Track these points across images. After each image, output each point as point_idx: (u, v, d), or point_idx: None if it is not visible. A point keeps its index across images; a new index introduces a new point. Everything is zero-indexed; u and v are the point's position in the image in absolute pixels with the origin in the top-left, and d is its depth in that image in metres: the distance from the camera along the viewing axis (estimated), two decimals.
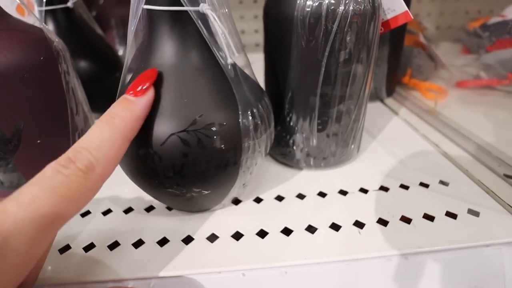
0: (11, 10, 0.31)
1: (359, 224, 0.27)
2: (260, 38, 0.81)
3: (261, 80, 0.29)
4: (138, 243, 0.26)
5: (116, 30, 0.63)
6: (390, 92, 0.51)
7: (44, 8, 0.40)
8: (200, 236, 0.26)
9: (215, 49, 0.22)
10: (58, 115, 0.30)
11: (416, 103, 0.47)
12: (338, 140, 0.31)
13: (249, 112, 0.23)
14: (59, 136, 0.30)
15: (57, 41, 0.30)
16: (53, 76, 0.29)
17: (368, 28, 0.27)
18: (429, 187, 0.30)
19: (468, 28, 0.68)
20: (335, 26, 0.26)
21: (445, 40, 0.75)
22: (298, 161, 0.33)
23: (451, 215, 0.27)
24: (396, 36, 0.46)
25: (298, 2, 0.26)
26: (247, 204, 0.29)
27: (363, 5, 0.26)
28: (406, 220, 0.27)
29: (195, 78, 0.23)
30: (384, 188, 0.31)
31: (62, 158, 0.17)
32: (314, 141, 0.31)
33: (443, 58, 0.54)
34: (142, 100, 0.20)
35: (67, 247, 0.25)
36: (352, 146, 0.33)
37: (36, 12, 0.40)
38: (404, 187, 0.31)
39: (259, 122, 0.24)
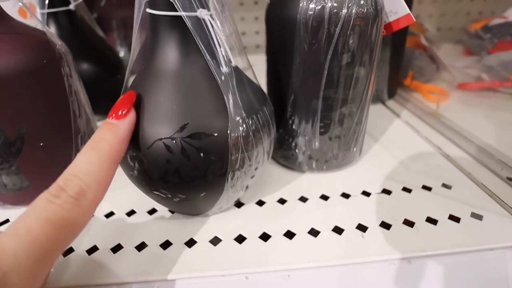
0: (13, 13, 0.31)
1: (362, 228, 0.27)
2: (260, 39, 0.81)
3: (262, 82, 0.29)
4: (141, 246, 0.26)
5: (117, 32, 0.64)
6: (391, 94, 0.51)
7: (46, 10, 0.40)
8: (203, 239, 0.26)
9: (208, 58, 0.22)
10: (61, 118, 0.30)
11: (418, 105, 0.47)
12: (340, 143, 0.31)
13: (241, 123, 0.23)
14: (62, 138, 0.30)
15: (59, 44, 0.30)
16: (56, 79, 0.29)
17: (370, 31, 0.27)
18: (432, 190, 0.30)
19: (470, 30, 0.68)
20: (337, 29, 0.26)
21: (446, 41, 0.74)
22: (300, 164, 0.33)
23: (454, 218, 0.27)
24: (398, 38, 0.46)
25: (300, 5, 0.26)
26: (250, 207, 0.29)
27: (365, 8, 0.26)
28: (409, 223, 0.27)
29: (187, 86, 0.22)
30: (386, 191, 0.31)
31: (53, 188, 0.17)
32: (317, 144, 0.31)
33: (444, 60, 0.53)
34: (125, 122, 0.21)
35: (70, 250, 0.25)
36: (354, 149, 0.33)
37: (38, 15, 0.40)
38: (407, 190, 0.31)
39: (251, 133, 0.23)
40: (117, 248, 0.25)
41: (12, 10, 0.31)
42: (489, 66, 0.53)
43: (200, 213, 0.28)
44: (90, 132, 0.34)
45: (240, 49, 0.25)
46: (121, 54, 0.63)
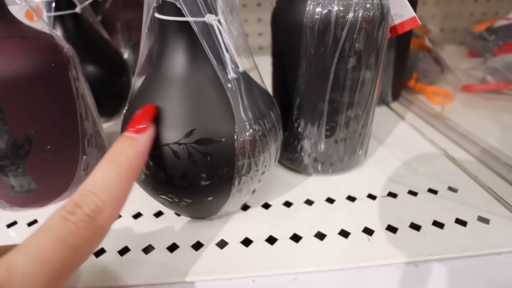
0: (20, 16, 0.31)
1: (368, 231, 0.27)
2: (263, 41, 0.82)
3: (267, 84, 0.29)
4: (148, 249, 0.26)
5: (122, 34, 0.64)
6: (396, 96, 0.51)
7: (53, 13, 0.40)
8: (209, 242, 0.26)
9: (216, 63, 0.22)
10: (68, 121, 0.30)
11: (422, 107, 0.47)
12: (346, 146, 0.31)
13: (248, 128, 0.23)
14: (69, 141, 0.30)
15: (67, 47, 0.30)
16: (63, 82, 0.29)
17: (376, 35, 0.27)
18: (438, 193, 0.30)
19: (474, 31, 0.68)
20: (344, 33, 0.26)
21: (450, 42, 0.74)
22: (306, 167, 0.33)
23: (461, 222, 0.27)
24: (402, 40, 0.46)
25: (307, 9, 0.26)
26: (256, 210, 0.29)
27: (372, 11, 0.26)
28: (415, 227, 0.27)
29: (194, 91, 0.22)
30: (392, 195, 0.31)
31: (69, 204, 0.16)
32: (322, 146, 0.31)
33: (448, 62, 0.53)
34: (144, 136, 0.20)
35: None
36: (360, 152, 0.33)
37: (44, 18, 0.40)
38: (413, 193, 0.31)
39: (258, 139, 0.23)
40: (124, 251, 0.26)
41: (19, 13, 0.31)
42: (494, 68, 0.53)
43: (206, 216, 0.28)
44: (96, 134, 0.34)
45: (248, 53, 0.25)
46: (125, 55, 0.64)
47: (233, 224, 0.28)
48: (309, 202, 0.30)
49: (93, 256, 0.25)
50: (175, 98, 0.22)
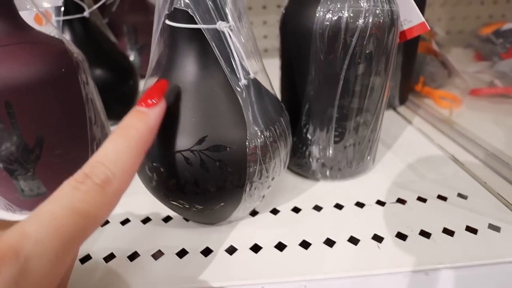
0: (29, 20, 0.31)
1: (377, 238, 0.26)
2: (269, 43, 0.82)
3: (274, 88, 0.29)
4: (157, 254, 0.26)
5: (128, 36, 0.64)
6: (403, 100, 0.51)
7: (61, 18, 0.40)
8: (218, 248, 0.26)
9: (227, 70, 0.22)
10: (78, 125, 0.30)
11: (430, 111, 0.47)
12: (354, 152, 0.31)
13: (260, 135, 0.23)
14: (78, 146, 0.30)
15: (77, 52, 0.30)
16: (73, 87, 0.29)
17: (386, 41, 0.27)
18: (447, 200, 0.30)
19: (481, 34, 0.67)
20: (354, 40, 0.26)
21: (456, 45, 0.74)
22: (314, 172, 0.33)
23: (472, 230, 0.27)
24: (410, 44, 0.46)
25: (317, 15, 0.26)
26: (264, 215, 0.29)
27: (382, 18, 0.26)
28: (425, 234, 0.27)
29: (206, 98, 0.22)
30: (401, 201, 0.30)
31: (79, 174, 0.16)
32: (331, 152, 0.31)
33: (456, 65, 0.53)
34: (155, 110, 0.20)
35: (87, 257, 0.26)
36: (368, 157, 0.33)
37: (53, 22, 0.40)
38: (422, 199, 0.30)
39: (269, 145, 0.23)
40: (133, 256, 0.26)
41: (28, 17, 0.31)
42: (502, 72, 0.52)
43: (216, 222, 0.28)
44: (105, 138, 0.34)
45: (257, 58, 0.25)
46: (131, 58, 0.64)
47: (242, 230, 0.28)
48: (317, 208, 0.30)
49: (103, 261, 0.25)
50: (187, 105, 0.22)
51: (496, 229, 0.27)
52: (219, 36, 0.22)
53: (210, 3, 0.21)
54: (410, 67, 0.49)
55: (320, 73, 0.28)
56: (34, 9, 0.30)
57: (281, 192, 0.32)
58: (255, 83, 0.24)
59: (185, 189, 0.22)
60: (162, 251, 0.26)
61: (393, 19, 0.26)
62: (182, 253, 0.26)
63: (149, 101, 0.20)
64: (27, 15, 0.31)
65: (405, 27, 0.30)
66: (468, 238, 0.26)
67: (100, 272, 0.24)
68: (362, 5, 0.25)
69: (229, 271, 0.24)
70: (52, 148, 0.28)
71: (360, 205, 0.30)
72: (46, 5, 0.36)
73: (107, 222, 0.29)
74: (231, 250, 0.26)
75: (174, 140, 0.22)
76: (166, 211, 0.30)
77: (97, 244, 0.27)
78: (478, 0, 0.81)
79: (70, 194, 0.15)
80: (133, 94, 0.49)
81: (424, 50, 0.55)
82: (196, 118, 0.22)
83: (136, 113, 0.20)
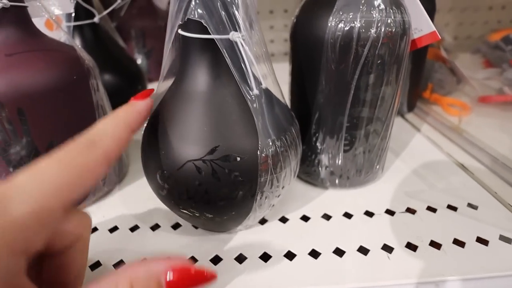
0: (40, 25, 0.31)
1: (387, 248, 0.26)
2: (275, 48, 0.82)
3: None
4: None
5: (136, 40, 0.65)
6: (411, 107, 0.51)
7: (72, 23, 0.41)
8: (228, 257, 0.26)
9: (239, 80, 0.22)
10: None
11: (439, 119, 0.46)
12: (364, 160, 0.31)
13: (271, 145, 0.23)
14: None
15: (88, 59, 0.31)
16: (84, 93, 0.29)
17: (398, 51, 0.27)
18: (458, 210, 0.30)
19: (489, 40, 0.67)
20: (365, 50, 0.26)
21: (464, 51, 0.74)
22: (323, 180, 0.33)
23: (482, 241, 0.27)
24: (419, 51, 0.46)
25: (329, 25, 0.26)
26: (273, 224, 0.29)
27: (394, 27, 0.26)
28: (435, 245, 0.26)
29: (218, 107, 0.22)
30: (411, 210, 0.30)
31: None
32: (340, 160, 0.31)
33: (464, 72, 0.53)
34: (142, 102, 0.21)
35: (97, 264, 0.26)
36: (377, 166, 0.33)
37: (64, 27, 0.41)
38: (432, 209, 0.30)
39: (280, 154, 0.23)
40: None
41: (39, 23, 0.31)
42: None
43: (225, 230, 0.28)
44: None
45: (269, 67, 0.25)
46: (138, 61, 0.64)
47: (251, 238, 0.28)
48: (326, 217, 0.30)
49: (112, 268, 0.25)
50: (199, 114, 0.22)
51: (508, 240, 0.26)
52: (231, 46, 0.22)
53: (223, 14, 0.21)
54: (418, 74, 0.49)
55: (331, 82, 0.28)
56: (46, 15, 0.30)
57: (290, 200, 0.32)
58: (267, 93, 0.24)
59: (196, 198, 0.22)
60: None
61: (405, 29, 0.26)
62: (191, 261, 0.26)
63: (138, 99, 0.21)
64: (38, 21, 0.32)
65: (415, 36, 0.30)
66: (479, 249, 0.26)
67: None
68: (374, 15, 0.25)
69: (239, 280, 0.24)
70: None
71: (369, 214, 0.30)
72: (57, 12, 0.37)
73: (116, 228, 0.29)
74: (241, 259, 0.26)
75: (185, 149, 0.22)
76: (175, 218, 0.30)
77: (107, 250, 0.27)
78: (486, 5, 0.80)
79: (57, 152, 0.16)
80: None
81: (433, 56, 0.54)
82: (208, 127, 0.22)
83: (123, 105, 0.21)
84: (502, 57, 0.61)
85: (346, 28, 0.25)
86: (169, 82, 0.25)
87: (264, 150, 0.22)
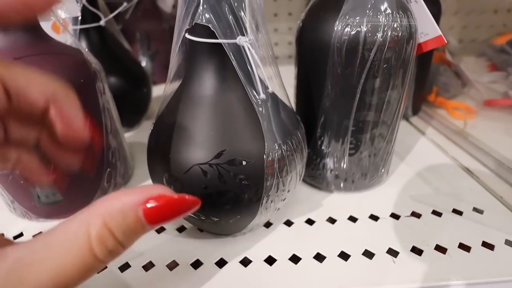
0: (47, 28, 0.32)
1: (392, 252, 0.26)
2: (279, 51, 0.82)
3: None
4: (172, 265, 0.26)
5: (140, 43, 0.65)
6: (416, 111, 0.51)
7: (78, 26, 0.41)
8: (233, 260, 0.26)
9: (246, 84, 0.22)
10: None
11: (444, 122, 0.46)
12: (369, 164, 0.31)
13: (277, 149, 0.23)
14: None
15: (94, 62, 0.31)
16: (91, 96, 0.30)
17: (404, 55, 0.27)
18: (463, 214, 0.30)
19: (495, 44, 0.67)
20: (372, 54, 0.26)
21: (468, 54, 0.73)
22: (328, 184, 0.33)
23: (488, 245, 0.26)
24: (425, 54, 0.46)
25: (335, 29, 0.26)
26: (278, 227, 0.29)
27: (400, 31, 0.26)
28: (441, 249, 0.26)
29: (224, 112, 0.23)
30: (416, 214, 0.30)
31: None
32: (345, 164, 0.31)
33: (469, 75, 0.53)
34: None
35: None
36: (383, 170, 0.33)
37: (70, 30, 0.41)
38: (437, 213, 0.30)
39: (286, 158, 0.23)
40: (148, 266, 0.26)
41: (46, 26, 0.32)
42: None
43: (230, 233, 0.28)
44: (120, 146, 0.35)
45: (275, 70, 0.25)
46: (143, 64, 0.65)
47: (256, 242, 0.28)
48: (331, 220, 0.30)
49: (118, 271, 0.25)
50: (206, 118, 0.22)
51: None
52: (238, 50, 0.22)
53: (231, 18, 0.21)
54: (423, 77, 0.49)
55: (336, 86, 0.28)
56: (53, 18, 0.30)
57: (294, 204, 0.32)
58: (273, 97, 0.24)
59: (202, 201, 0.22)
60: (177, 261, 0.26)
61: (411, 33, 0.26)
62: (196, 264, 0.26)
63: None
64: (45, 24, 0.32)
65: (421, 40, 0.30)
66: (484, 254, 0.26)
67: (113, 280, 0.25)
68: (380, 19, 0.25)
69: (244, 284, 0.24)
70: None
71: (374, 218, 0.30)
72: (64, 15, 0.37)
73: None
74: (246, 262, 0.26)
75: (192, 153, 0.22)
76: (180, 221, 0.30)
77: None
78: (492, 8, 0.80)
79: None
80: (146, 102, 0.49)
81: (438, 60, 0.54)
82: (215, 131, 0.22)
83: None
84: (507, 61, 0.60)
85: (353, 32, 0.25)
86: (176, 85, 0.26)
87: (270, 154, 0.22)
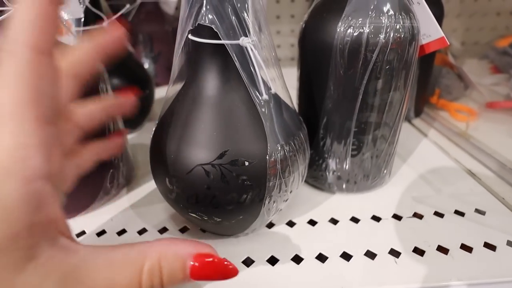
0: None
1: (394, 253, 0.26)
2: (282, 53, 0.82)
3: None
4: None
5: (143, 45, 0.65)
6: (418, 113, 0.51)
7: (81, 28, 0.41)
8: (236, 260, 0.26)
9: (249, 84, 0.22)
10: (97, 135, 0.31)
11: (446, 124, 0.46)
12: (371, 165, 0.31)
13: (280, 150, 0.23)
14: None
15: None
16: (93, 97, 0.30)
17: (406, 56, 0.27)
18: (465, 215, 0.30)
19: (497, 46, 0.67)
20: (374, 55, 0.26)
21: (471, 56, 0.73)
22: (330, 185, 0.33)
23: (490, 246, 0.26)
24: (427, 56, 0.46)
25: (337, 30, 0.26)
26: (280, 228, 0.29)
27: (402, 33, 0.26)
28: (443, 250, 0.26)
29: (227, 112, 0.23)
30: (418, 215, 0.30)
31: None
32: (347, 165, 0.31)
33: (472, 77, 0.53)
34: None
35: None
36: (385, 171, 0.33)
37: (73, 32, 0.41)
38: (439, 214, 0.30)
39: (289, 159, 0.23)
40: None
41: None
42: None
43: (232, 234, 0.28)
44: (122, 148, 0.35)
45: (278, 71, 0.25)
46: (146, 65, 0.65)
47: (259, 242, 0.28)
48: (333, 221, 0.30)
49: None
50: (209, 119, 0.22)
51: None
52: (241, 51, 0.22)
53: (234, 19, 0.21)
54: (426, 79, 0.49)
55: (339, 88, 0.28)
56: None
57: (297, 204, 0.32)
58: (276, 98, 0.24)
59: (204, 202, 0.22)
60: None
61: (413, 34, 0.27)
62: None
63: None
64: None
65: (423, 42, 0.30)
66: (486, 254, 0.26)
67: None
68: (383, 21, 0.25)
69: (246, 283, 0.24)
70: None
71: (376, 219, 0.30)
72: (67, 16, 0.37)
73: (124, 231, 0.30)
74: (248, 262, 0.26)
75: (195, 153, 0.22)
76: (183, 221, 0.30)
77: None
78: (494, 11, 0.80)
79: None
80: (149, 104, 0.49)
81: (440, 62, 0.54)
82: (217, 132, 0.22)
83: None
84: (510, 63, 0.60)
85: (355, 34, 0.25)
86: (178, 86, 0.26)
87: (273, 154, 0.22)
